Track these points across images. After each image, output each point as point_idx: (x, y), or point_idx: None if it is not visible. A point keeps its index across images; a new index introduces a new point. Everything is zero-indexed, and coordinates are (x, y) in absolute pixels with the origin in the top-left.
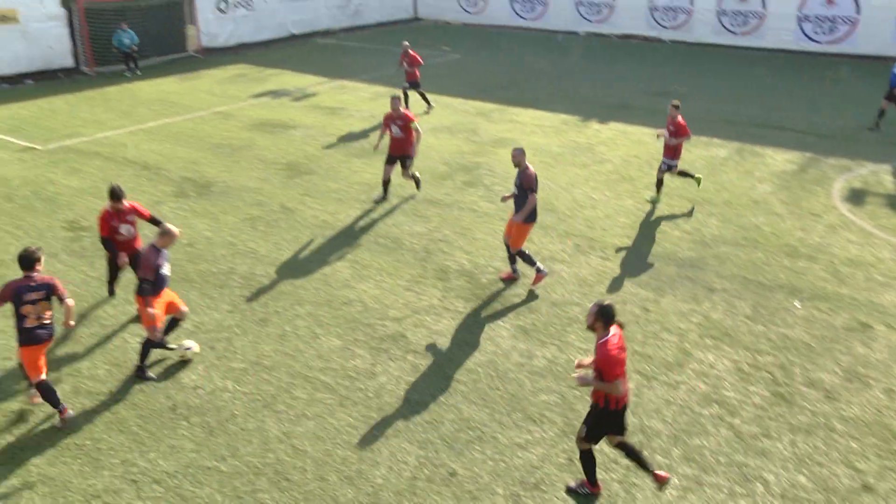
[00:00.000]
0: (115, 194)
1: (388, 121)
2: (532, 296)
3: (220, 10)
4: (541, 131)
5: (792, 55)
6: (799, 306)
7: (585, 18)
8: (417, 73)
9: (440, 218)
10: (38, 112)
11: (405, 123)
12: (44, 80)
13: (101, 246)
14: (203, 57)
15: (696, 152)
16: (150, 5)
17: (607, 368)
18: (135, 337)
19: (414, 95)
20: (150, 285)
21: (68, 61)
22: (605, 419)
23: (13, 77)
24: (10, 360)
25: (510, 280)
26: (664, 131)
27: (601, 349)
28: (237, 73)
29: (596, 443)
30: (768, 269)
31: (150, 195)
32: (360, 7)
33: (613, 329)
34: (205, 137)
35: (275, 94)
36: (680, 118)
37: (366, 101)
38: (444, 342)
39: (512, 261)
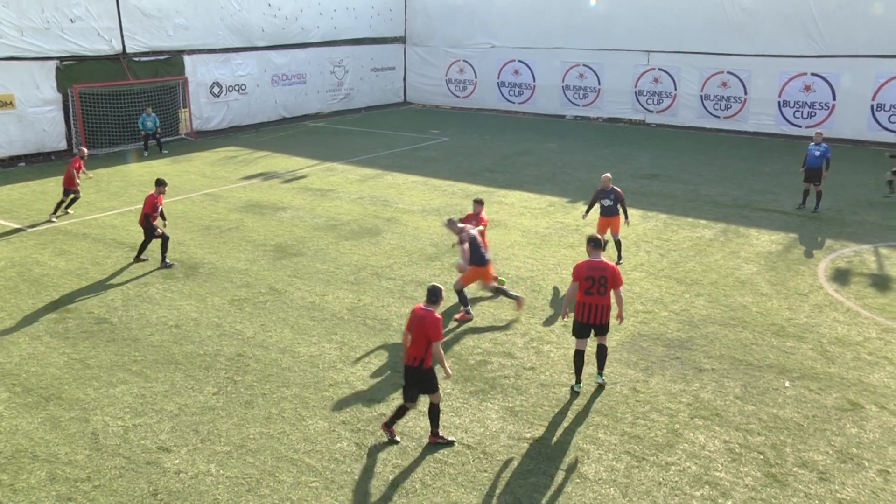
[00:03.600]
0: (162, 182)
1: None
2: (521, 377)
3: (214, 95)
4: (529, 213)
5: (774, 138)
6: (789, 386)
7: (573, 102)
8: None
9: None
10: (28, 194)
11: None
12: (36, 163)
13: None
14: (195, 139)
15: (683, 233)
16: (144, 90)
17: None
18: (115, 420)
19: None
20: None
21: (62, 144)
22: None
23: (6, 160)
24: None
25: (463, 321)
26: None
27: None
28: (228, 155)
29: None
30: (757, 348)
31: (138, 277)
32: (350, 91)
33: None
34: (194, 219)
35: (265, 176)
36: (484, 214)
37: (354, 183)
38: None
39: (464, 303)
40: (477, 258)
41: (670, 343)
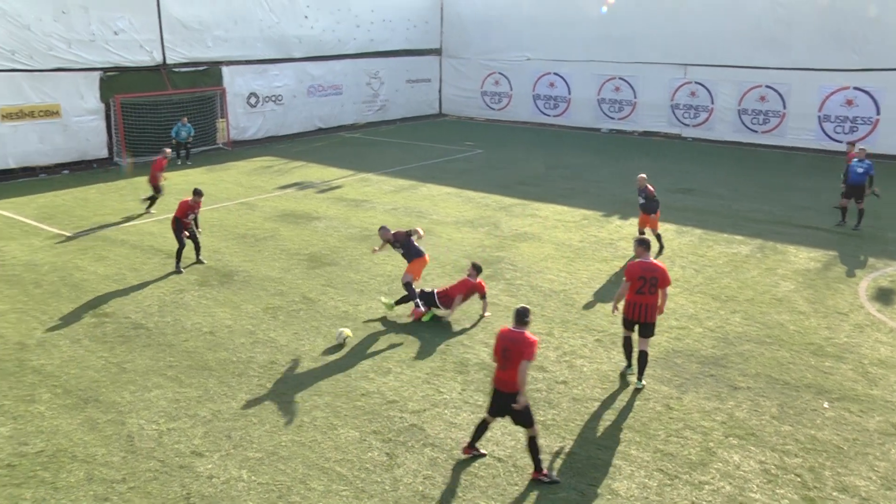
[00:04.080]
0: (198, 192)
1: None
2: (553, 391)
3: (250, 105)
4: (562, 226)
5: (814, 154)
6: (828, 407)
7: (608, 116)
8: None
9: (460, 310)
10: (71, 201)
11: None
12: (79, 171)
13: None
14: (231, 149)
15: (718, 249)
16: (183, 100)
17: None
18: (150, 424)
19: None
20: None
21: (103, 152)
22: None
23: (51, 167)
24: None
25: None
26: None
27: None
28: (263, 164)
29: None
30: (794, 368)
31: (174, 283)
32: (386, 103)
33: None
34: (229, 227)
35: (299, 185)
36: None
37: (388, 194)
38: (462, 436)
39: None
40: (416, 252)
41: (705, 360)
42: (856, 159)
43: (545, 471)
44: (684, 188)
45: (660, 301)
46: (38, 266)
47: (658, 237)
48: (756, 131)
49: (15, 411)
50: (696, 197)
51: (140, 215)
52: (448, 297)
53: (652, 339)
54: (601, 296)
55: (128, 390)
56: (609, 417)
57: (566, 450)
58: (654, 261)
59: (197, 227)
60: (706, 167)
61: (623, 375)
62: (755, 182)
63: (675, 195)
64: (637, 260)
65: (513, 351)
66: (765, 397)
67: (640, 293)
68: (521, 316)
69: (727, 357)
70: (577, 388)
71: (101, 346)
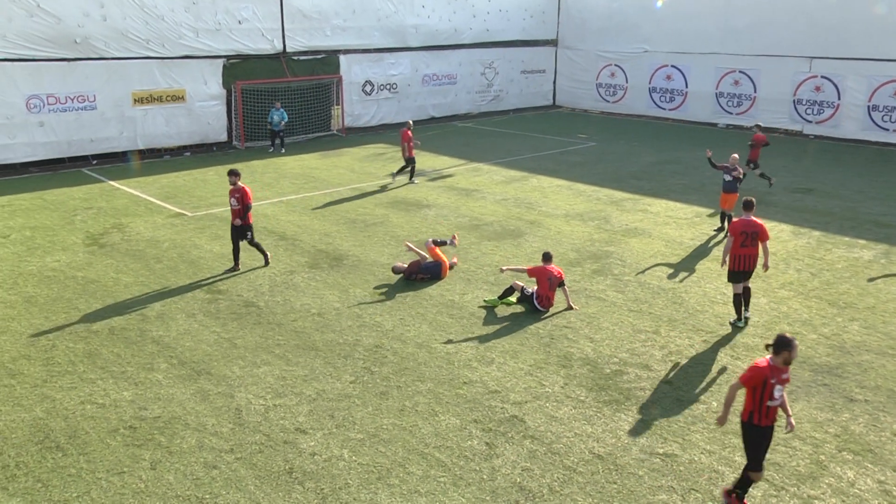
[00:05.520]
0: (233, 172)
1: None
2: (658, 391)
3: (365, 93)
4: (674, 222)
5: None
6: None
7: (726, 110)
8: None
9: (566, 304)
10: (191, 181)
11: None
12: (200, 153)
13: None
14: (345, 136)
15: (838, 252)
16: (301, 87)
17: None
18: (258, 399)
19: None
20: None
21: (223, 136)
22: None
23: (174, 149)
24: None
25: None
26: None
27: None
28: (376, 152)
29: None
30: None
31: (286, 264)
32: (500, 93)
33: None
34: (341, 212)
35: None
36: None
37: (499, 185)
38: (563, 430)
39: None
40: (434, 267)
41: (818, 368)
42: None
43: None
44: (804, 188)
45: (763, 256)
46: (160, 242)
47: (729, 218)
48: (888, 129)
49: (136, 377)
50: (817, 197)
51: (400, 186)
52: (546, 301)
53: (762, 345)
54: (710, 295)
55: (237, 365)
56: (714, 421)
57: (668, 451)
58: (754, 218)
59: (247, 227)
60: (829, 166)
61: (732, 325)
62: (883, 184)
63: (793, 195)
64: (740, 218)
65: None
66: (885, 412)
67: (744, 246)
68: (779, 346)
69: (843, 367)
70: (681, 388)
71: (215, 321)
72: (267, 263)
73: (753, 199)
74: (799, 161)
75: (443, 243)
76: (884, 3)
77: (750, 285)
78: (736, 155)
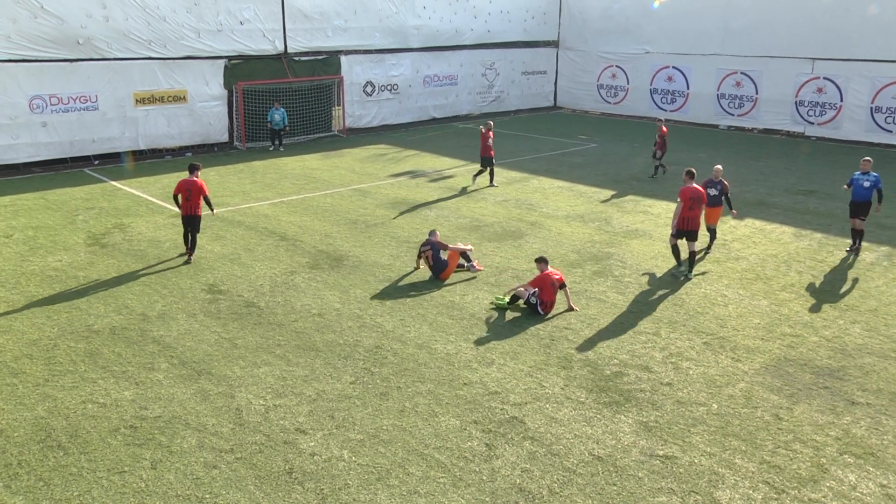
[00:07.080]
0: (193, 167)
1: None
2: (658, 392)
3: (366, 94)
4: None
5: None
6: None
7: (727, 112)
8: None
9: (566, 306)
10: None
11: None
12: (201, 153)
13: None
14: (346, 136)
15: (840, 255)
16: (301, 88)
17: None
18: (258, 399)
19: None
20: None
21: (224, 137)
22: None
23: (175, 150)
24: None
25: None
26: None
27: None
28: (377, 152)
29: None
30: None
31: (286, 264)
32: (501, 94)
33: None
34: (342, 213)
35: (412, 174)
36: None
37: (501, 185)
38: (563, 431)
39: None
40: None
41: (819, 371)
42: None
43: None
44: (805, 190)
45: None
46: (161, 242)
47: (713, 233)
48: (891, 131)
49: (137, 377)
50: (818, 199)
51: (478, 189)
52: (550, 306)
53: (763, 347)
54: (711, 297)
55: (238, 365)
56: (714, 423)
57: (668, 453)
58: (696, 185)
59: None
60: (831, 168)
61: (674, 275)
62: (886, 186)
63: (795, 196)
64: (687, 186)
65: None
66: (887, 416)
67: (691, 209)
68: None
69: (845, 369)
70: (682, 390)
71: (215, 321)
72: (188, 262)
73: (694, 170)
74: (800, 163)
75: (467, 259)
76: (878, 3)
77: (695, 249)
78: (720, 167)
